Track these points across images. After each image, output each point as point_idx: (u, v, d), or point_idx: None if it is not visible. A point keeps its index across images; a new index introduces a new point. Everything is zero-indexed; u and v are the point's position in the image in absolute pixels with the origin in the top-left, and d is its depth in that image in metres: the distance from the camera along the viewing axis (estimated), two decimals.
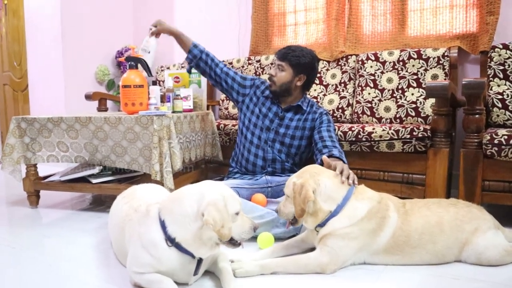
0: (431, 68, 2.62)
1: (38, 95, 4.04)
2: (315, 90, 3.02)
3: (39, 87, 4.01)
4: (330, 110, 2.90)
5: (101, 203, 2.57)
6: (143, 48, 2.33)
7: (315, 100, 2.99)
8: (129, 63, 2.28)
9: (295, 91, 2.22)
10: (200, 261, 1.30)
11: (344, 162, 1.85)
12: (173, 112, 2.33)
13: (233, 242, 1.28)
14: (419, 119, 2.57)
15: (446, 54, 2.60)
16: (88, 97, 3.28)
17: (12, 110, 4.71)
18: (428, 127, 2.13)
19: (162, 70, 3.81)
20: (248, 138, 2.26)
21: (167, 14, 4.06)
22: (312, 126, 2.20)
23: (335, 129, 2.21)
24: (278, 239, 1.74)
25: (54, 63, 3.78)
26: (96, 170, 2.35)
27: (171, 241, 1.24)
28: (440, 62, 2.60)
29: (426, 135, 2.08)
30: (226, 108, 3.45)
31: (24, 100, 4.43)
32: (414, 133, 2.10)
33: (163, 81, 3.65)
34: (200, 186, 1.30)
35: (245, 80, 2.36)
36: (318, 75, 3.04)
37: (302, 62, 2.16)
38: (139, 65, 2.30)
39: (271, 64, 2.24)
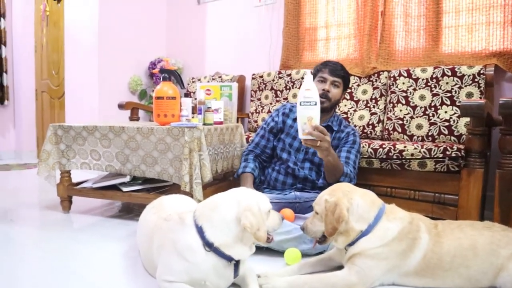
0: (465, 86, 2.56)
1: (74, 102, 4.18)
2: (345, 105, 3.00)
3: (74, 95, 4.15)
4: (360, 126, 2.87)
5: (130, 211, 2.62)
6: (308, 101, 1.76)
7: (344, 115, 2.97)
8: (163, 75, 2.33)
9: (334, 108, 2.23)
10: (237, 264, 1.36)
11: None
12: (204, 124, 2.36)
13: (267, 240, 1.35)
14: (452, 138, 2.51)
15: (482, 72, 2.53)
16: (121, 106, 3.37)
17: (48, 117, 4.89)
18: (462, 146, 2.08)
19: (193, 82, 3.87)
20: (278, 165, 2.23)
21: (200, 28, 4.15)
22: (338, 145, 2.18)
23: (359, 151, 2.17)
24: (305, 255, 1.72)
25: (90, 72, 3.92)
26: (127, 178, 2.40)
27: (209, 246, 1.29)
28: (476, 80, 2.54)
29: (459, 155, 2.03)
30: (256, 121, 3.46)
31: (60, 107, 4.59)
32: (447, 152, 2.06)
33: (194, 92, 3.71)
34: (234, 193, 1.37)
35: (276, 123, 2.30)
36: (349, 90, 3.02)
37: (349, 79, 2.21)
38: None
39: (321, 79, 2.17)
